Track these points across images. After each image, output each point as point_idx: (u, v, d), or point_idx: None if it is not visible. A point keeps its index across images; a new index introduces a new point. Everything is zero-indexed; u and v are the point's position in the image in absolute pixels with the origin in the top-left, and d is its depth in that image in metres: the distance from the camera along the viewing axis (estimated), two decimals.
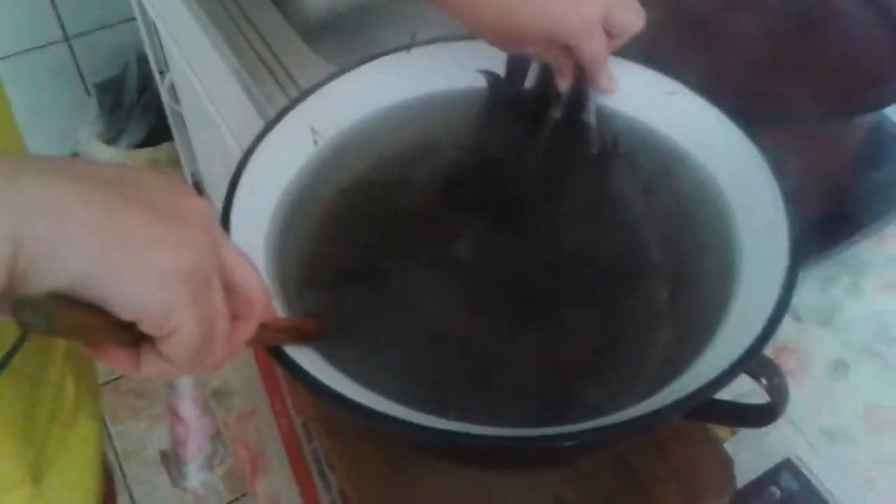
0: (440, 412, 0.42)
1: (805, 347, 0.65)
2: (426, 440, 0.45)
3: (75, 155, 1.91)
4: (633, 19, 0.55)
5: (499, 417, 0.42)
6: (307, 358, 0.44)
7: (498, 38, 0.56)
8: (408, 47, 0.62)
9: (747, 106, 0.57)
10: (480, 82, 0.61)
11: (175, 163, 1.76)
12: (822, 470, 0.58)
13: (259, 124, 0.84)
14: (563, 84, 0.59)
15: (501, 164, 0.59)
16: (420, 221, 0.57)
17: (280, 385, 0.65)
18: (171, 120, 1.60)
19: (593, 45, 0.54)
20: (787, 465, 0.58)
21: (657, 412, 0.41)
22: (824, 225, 0.68)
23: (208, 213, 0.35)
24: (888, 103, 0.62)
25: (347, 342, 0.49)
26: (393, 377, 0.45)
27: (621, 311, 0.51)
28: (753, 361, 0.43)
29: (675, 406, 0.41)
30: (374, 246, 0.55)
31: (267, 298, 0.40)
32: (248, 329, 0.38)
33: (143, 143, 1.78)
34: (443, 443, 0.44)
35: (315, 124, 0.58)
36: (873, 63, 0.62)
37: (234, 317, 0.37)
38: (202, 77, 1.22)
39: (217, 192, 1.63)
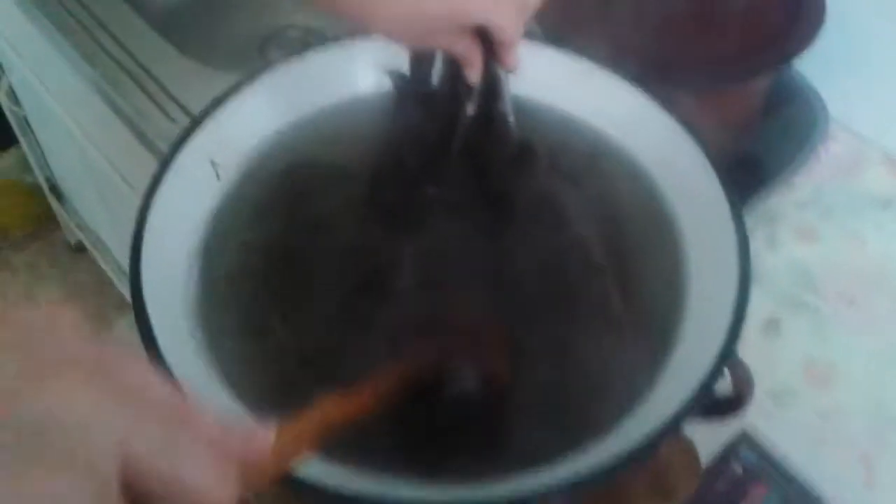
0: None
1: None
2: None
3: None
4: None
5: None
6: None
7: (401, 32, 0.51)
8: (300, 53, 0.57)
9: (652, 72, 0.56)
10: (384, 85, 0.57)
11: (25, 169, 1.62)
12: (775, 435, 0.59)
13: (113, 121, 0.78)
14: (474, 75, 0.54)
15: (421, 173, 0.55)
16: (346, 248, 0.53)
17: None
18: (13, 124, 1.46)
19: (504, 21, 0.49)
20: (744, 439, 0.58)
21: (640, 449, 0.40)
22: (734, 179, 0.69)
23: (77, 409, 0.23)
24: (791, 57, 0.62)
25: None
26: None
27: (570, 329, 0.49)
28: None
29: (651, 442, 0.40)
30: (304, 286, 0.50)
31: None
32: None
33: None
34: None
35: (214, 156, 0.53)
36: (776, 18, 0.62)
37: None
38: (43, 77, 1.11)
39: (79, 197, 1.51)
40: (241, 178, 0.53)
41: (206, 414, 0.26)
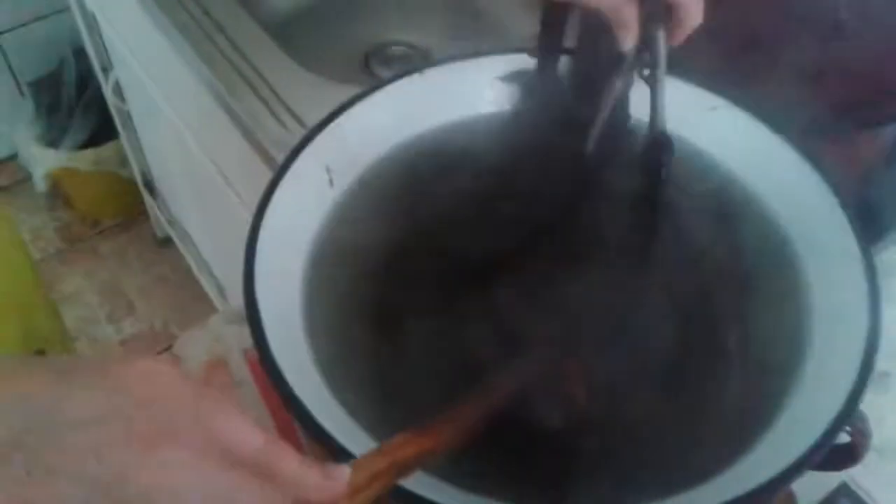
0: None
1: None
2: None
3: (13, 157, 1.81)
4: None
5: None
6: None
7: None
8: (420, 69, 0.57)
9: (784, 114, 0.54)
10: (503, 104, 0.56)
11: (122, 162, 1.67)
12: (876, 490, 0.57)
13: (224, 122, 0.79)
14: (628, 40, 0.43)
15: (539, 197, 0.54)
16: (452, 270, 0.52)
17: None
18: (116, 119, 1.51)
19: None
20: (844, 491, 0.56)
21: (759, 489, 0.38)
22: None
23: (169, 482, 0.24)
24: None
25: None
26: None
27: (683, 371, 0.47)
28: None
29: (767, 489, 0.38)
30: (406, 304, 0.50)
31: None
32: None
33: (87, 144, 1.68)
34: None
35: (329, 163, 0.53)
36: None
37: None
38: (154, 74, 1.14)
39: (170, 192, 1.55)
40: (355, 187, 0.53)
41: (288, 458, 0.28)
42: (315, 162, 0.52)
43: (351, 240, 0.51)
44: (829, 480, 0.57)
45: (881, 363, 0.63)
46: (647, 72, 0.47)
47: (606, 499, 0.41)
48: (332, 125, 0.53)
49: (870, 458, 0.58)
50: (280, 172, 0.51)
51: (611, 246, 0.51)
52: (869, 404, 0.61)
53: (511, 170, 0.53)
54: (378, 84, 0.56)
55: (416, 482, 0.36)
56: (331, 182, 0.53)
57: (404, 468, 0.35)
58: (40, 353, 0.58)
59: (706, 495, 0.39)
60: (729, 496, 0.38)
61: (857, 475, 0.57)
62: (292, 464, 0.28)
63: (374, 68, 0.98)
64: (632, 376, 0.47)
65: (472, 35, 0.93)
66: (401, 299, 0.50)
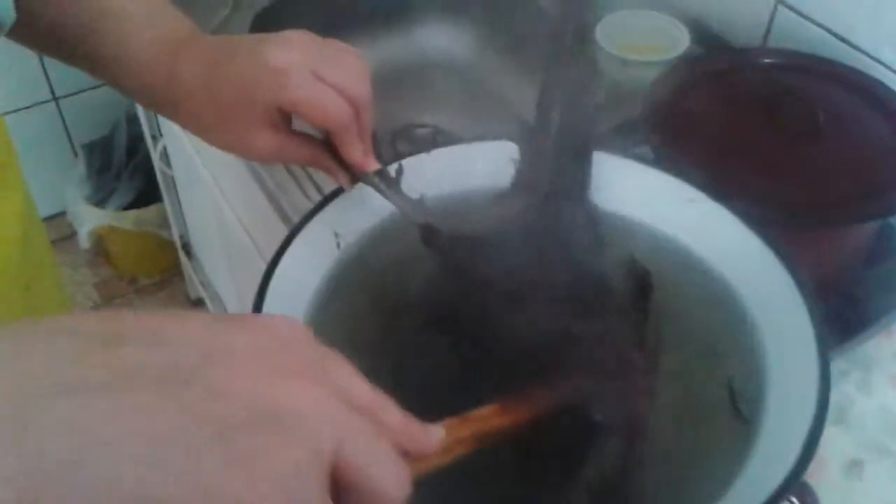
0: None
1: (819, 446, 0.65)
2: None
3: (62, 214, 1.90)
4: (349, 78, 0.52)
5: None
6: None
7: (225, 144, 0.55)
8: (428, 150, 0.63)
9: (763, 211, 0.58)
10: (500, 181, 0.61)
11: (163, 223, 1.75)
12: None
13: (255, 191, 0.85)
14: (342, 182, 0.56)
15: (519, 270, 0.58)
16: (441, 334, 0.56)
17: None
18: (161, 183, 1.59)
19: (305, 92, 0.50)
20: None
21: None
22: (833, 321, 0.69)
23: (307, 403, 0.29)
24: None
25: None
26: None
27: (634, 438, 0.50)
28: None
29: None
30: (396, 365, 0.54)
31: (398, 489, 0.31)
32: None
33: (132, 205, 1.77)
34: None
35: (338, 228, 0.58)
36: (887, 171, 0.64)
37: None
38: (197, 145, 1.22)
39: (206, 255, 1.62)
40: (359, 250, 0.58)
41: (393, 411, 0.32)
42: (324, 226, 0.58)
43: (350, 298, 0.56)
44: None
45: (855, 452, 0.66)
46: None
47: None
48: (340, 196, 0.58)
49: None
50: (292, 232, 0.56)
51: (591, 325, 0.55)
52: (841, 491, 0.64)
53: (491, 244, 0.57)
54: (385, 162, 0.61)
55: None
56: (338, 245, 0.58)
57: (483, 439, 0.38)
58: None
59: None
60: None
61: None
62: (397, 415, 0.32)
63: (400, 147, 1.04)
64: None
65: (487, 115, 1.00)
66: (390, 359, 0.54)
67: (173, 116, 0.58)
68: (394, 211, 0.59)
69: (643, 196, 0.60)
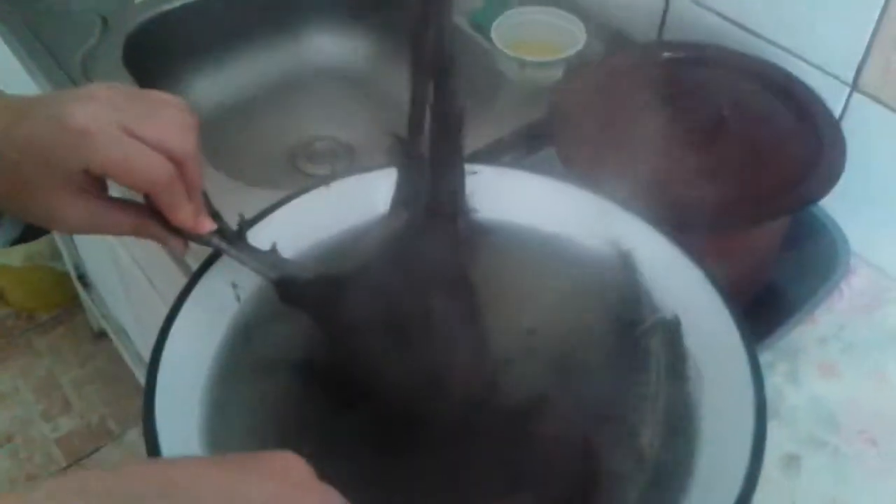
0: None
1: None
2: None
3: None
4: (167, 132, 0.46)
5: None
6: None
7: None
8: (327, 182, 0.58)
9: (673, 213, 0.57)
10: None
11: (55, 256, 1.65)
12: None
13: None
14: (176, 249, 0.50)
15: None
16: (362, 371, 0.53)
17: None
18: None
19: (113, 152, 0.44)
20: None
21: None
22: (755, 314, 0.68)
23: None
24: (811, 202, 0.62)
25: None
26: None
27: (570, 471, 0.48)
28: None
29: None
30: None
31: None
32: None
33: (19, 239, 1.66)
34: None
35: (235, 278, 0.54)
36: (796, 161, 0.63)
37: None
38: None
39: (104, 285, 1.54)
40: (259, 301, 0.54)
41: None
42: (221, 279, 0.53)
43: (256, 353, 0.52)
44: None
45: (791, 447, 0.65)
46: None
47: None
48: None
49: None
50: (186, 289, 0.52)
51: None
52: (780, 488, 0.63)
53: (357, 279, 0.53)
54: (284, 199, 0.57)
55: None
56: (238, 298, 0.54)
57: None
58: None
59: None
60: None
61: None
62: None
63: (300, 165, 0.99)
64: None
65: (393, 127, 0.96)
66: (307, 411, 0.50)
67: None
68: (296, 250, 0.55)
69: (548, 207, 0.57)
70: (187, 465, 0.32)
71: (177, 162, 0.46)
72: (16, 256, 1.65)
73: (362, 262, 0.50)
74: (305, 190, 0.58)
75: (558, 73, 0.85)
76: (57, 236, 1.55)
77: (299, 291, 0.50)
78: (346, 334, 0.50)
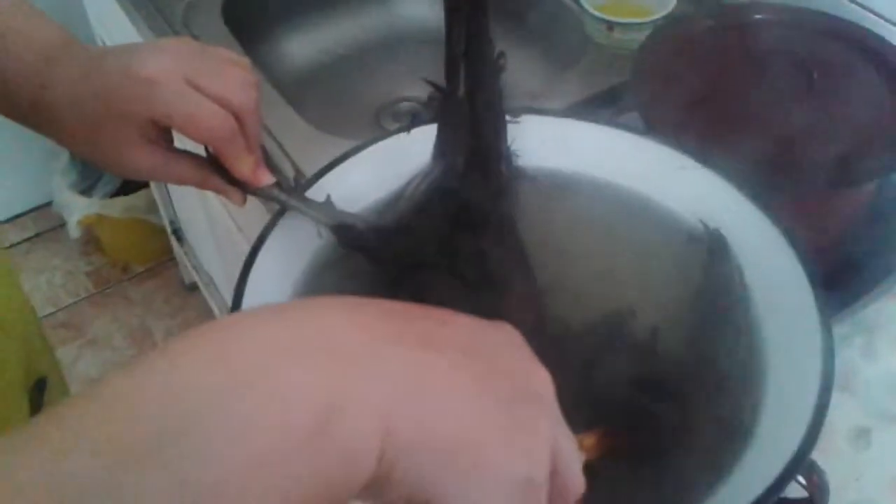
0: None
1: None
2: None
3: (49, 204, 1.87)
4: (230, 87, 0.48)
5: None
6: None
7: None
8: (408, 128, 0.60)
9: (756, 175, 0.56)
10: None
11: (151, 209, 1.73)
12: None
13: None
14: (236, 201, 0.54)
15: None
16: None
17: None
18: None
19: (178, 103, 0.46)
20: None
21: None
22: (834, 285, 0.67)
23: (552, 391, 0.34)
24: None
25: None
26: None
27: (638, 414, 0.49)
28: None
29: None
30: None
31: (581, 487, 0.35)
32: None
33: (119, 192, 1.74)
34: None
35: None
36: (886, 127, 0.61)
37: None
38: None
39: (196, 239, 1.60)
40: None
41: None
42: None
43: (328, 285, 0.54)
44: None
45: (861, 419, 0.64)
46: None
47: None
48: (318, 182, 0.56)
49: None
50: (272, 221, 0.54)
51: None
52: (848, 460, 0.62)
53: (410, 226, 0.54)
54: (361, 144, 0.59)
55: None
56: (319, 234, 0.56)
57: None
58: (41, 381, 0.61)
59: None
60: None
61: None
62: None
63: (385, 123, 1.02)
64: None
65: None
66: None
67: (46, 132, 0.53)
68: (377, 195, 0.57)
69: (635, 166, 0.57)
70: (440, 317, 0.33)
71: (238, 117, 0.49)
72: (115, 209, 1.73)
73: (408, 211, 0.52)
74: (384, 137, 0.59)
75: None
76: (154, 190, 1.62)
77: (356, 237, 0.52)
78: (404, 276, 0.51)
